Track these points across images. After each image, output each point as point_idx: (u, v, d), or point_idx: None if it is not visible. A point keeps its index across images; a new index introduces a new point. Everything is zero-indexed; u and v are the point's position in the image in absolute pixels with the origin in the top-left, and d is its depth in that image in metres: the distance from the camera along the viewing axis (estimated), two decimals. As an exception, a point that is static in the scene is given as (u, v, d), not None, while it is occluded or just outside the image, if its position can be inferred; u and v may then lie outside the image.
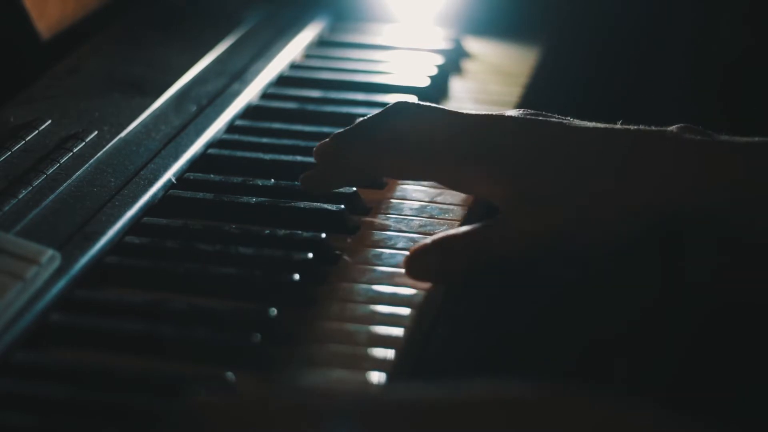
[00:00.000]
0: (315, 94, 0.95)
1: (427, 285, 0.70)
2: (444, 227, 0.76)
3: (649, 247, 0.72)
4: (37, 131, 0.81)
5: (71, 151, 0.79)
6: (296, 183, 0.80)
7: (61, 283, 0.66)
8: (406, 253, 0.73)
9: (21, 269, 0.64)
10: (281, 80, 0.98)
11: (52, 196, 0.74)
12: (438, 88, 0.99)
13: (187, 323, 0.65)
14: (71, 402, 0.58)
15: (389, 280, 0.71)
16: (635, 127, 0.71)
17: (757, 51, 1.25)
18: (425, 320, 0.69)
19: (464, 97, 1.00)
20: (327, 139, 0.77)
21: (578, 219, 0.69)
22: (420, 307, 0.69)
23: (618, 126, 0.72)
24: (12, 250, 0.65)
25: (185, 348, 0.63)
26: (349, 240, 0.75)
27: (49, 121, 0.82)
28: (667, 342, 0.94)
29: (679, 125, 0.70)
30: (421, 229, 0.76)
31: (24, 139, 0.79)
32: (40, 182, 0.75)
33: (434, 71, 1.00)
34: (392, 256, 0.73)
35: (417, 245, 0.71)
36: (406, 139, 0.73)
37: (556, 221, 0.69)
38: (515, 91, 1.01)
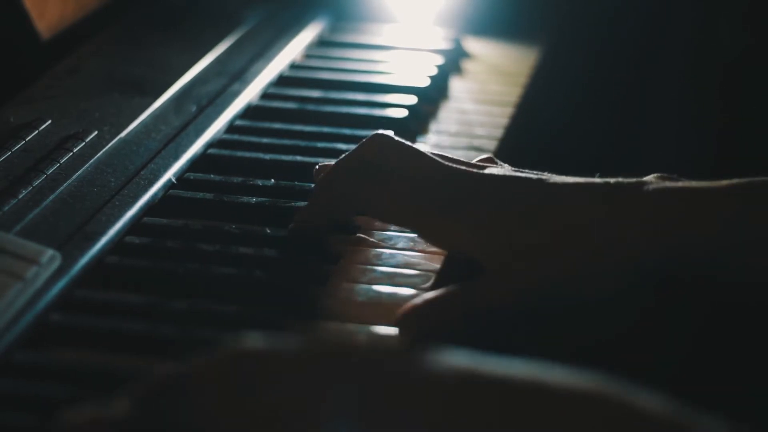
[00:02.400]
0: (315, 94, 0.95)
1: (427, 285, 0.70)
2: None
3: (643, 293, 0.72)
4: (37, 131, 0.81)
5: (71, 151, 0.79)
6: (296, 183, 0.80)
7: (61, 283, 0.66)
8: (407, 253, 0.73)
9: (21, 269, 0.64)
10: (281, 80, 0.98)
11: (52, 196, 0.74)
12: (438, 88, 0.99)
13: (187, 323, 0.65)
14: (71, 402, 0.58)
15: (389, 280, 0.71)
16: (614, 180, 0.70)
17: (756, 51, 1.25)
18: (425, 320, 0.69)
19: (464, 97, 1.00)
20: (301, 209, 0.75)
21: (571, 272, 0.68)
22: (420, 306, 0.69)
23: (597, 180, 0.70)
24: (12, 249, 0.65)
25: (185, 348, 0.63)
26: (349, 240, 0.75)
27: (49, 121, 0.82)
28: (667, 342, 0.94)
29: (654, 175, 0.70)
30: (421, 229, 0.76)
31: (24, 139, 0.79)
32: (40, 182, 0.75)
33: (434, 71, 1.00)
34: (392, 256, 0.73)
35: (408, 306, 0.68)
36: (384, 179, 0.71)
37: (549, 274, 0.68)
38: (515, 91, 1.01)
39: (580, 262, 0.68)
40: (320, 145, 0.85)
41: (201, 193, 0.78)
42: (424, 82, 0.97)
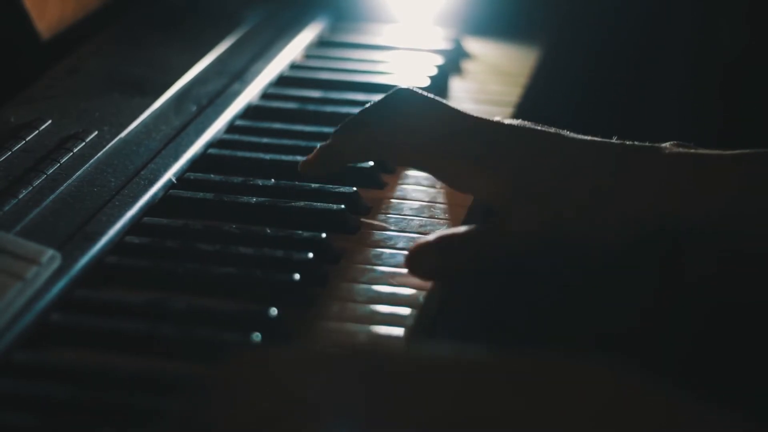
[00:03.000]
0: (315, 94, 0.95)
1: (427, 285, 0.70)
2: (444, 227, 0.76)
3: (648, 249, 0.72)
4: (37, 131, 0.81)
5: (71, 151, 0.79)
6: (296, 183, 0.80)
7: (62, 283, 0.66)
8: (407, 253, 0.73)
9: (21, 269, 0.64)
10: (281, 80, 0.98)
11: (52, 196, 0.74)
12: (438, 88, 0.98)
13: (187, 323, 0.65)
14: (71, 402, 0.58)
15: (389, 280, 0.71)
16: (631, 143, 0.72)
17: (757, 51, 1.25)
18: (426, 320, 0.69)
19: (464, 97, 1.00)
20: (330, 141, 0.77)
21: (576, 217, 0.70)
22: (420, 307, 0.69)
23: (613, 141, 0.73)
24: (12, 249, 0.65)
25: (185, 348, 0.63)
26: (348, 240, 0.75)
27: (49, 121, 0.82)
28: (667, 341, 0.94)
29: (671, 142, 0.71)
30: (421, 229, 0.76)
31: (24, 139, 0.79)
32: (40, 182, 0.75)
33: (434, 71, 1.00)
34: (392, 256, 0.73)
35: (417, 243, 0.71)
36: (408, 128, 0.74)
37: (554, 218, 0.70)
38: (515, 91, 1.01)
39: (588, 208, 0.69)
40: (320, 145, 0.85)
41: (201, 193, 0.78)
42: (424, 82, 0.97)
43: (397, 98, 0.76)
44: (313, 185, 0.80)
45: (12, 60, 0.90)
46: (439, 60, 1.02)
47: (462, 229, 0.72)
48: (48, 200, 0.73)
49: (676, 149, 0.71)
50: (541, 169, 0.71)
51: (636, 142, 0.72)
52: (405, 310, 0.68)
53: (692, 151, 0.71)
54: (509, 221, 0.70)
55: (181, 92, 0.91)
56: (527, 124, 0.74)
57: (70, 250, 0.68)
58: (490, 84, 1.03)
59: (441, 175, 0.75)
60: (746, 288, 0.80)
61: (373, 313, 0.68)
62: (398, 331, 0.66)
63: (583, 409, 0.47)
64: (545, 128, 0.73)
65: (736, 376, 0.88)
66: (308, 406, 0.48)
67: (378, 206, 0.79)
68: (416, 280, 0.71)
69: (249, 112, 0.92)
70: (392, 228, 0.77)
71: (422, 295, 0.69)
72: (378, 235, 0.76)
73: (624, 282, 0.92)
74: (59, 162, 0.77)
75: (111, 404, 0.58)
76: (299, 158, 0.83)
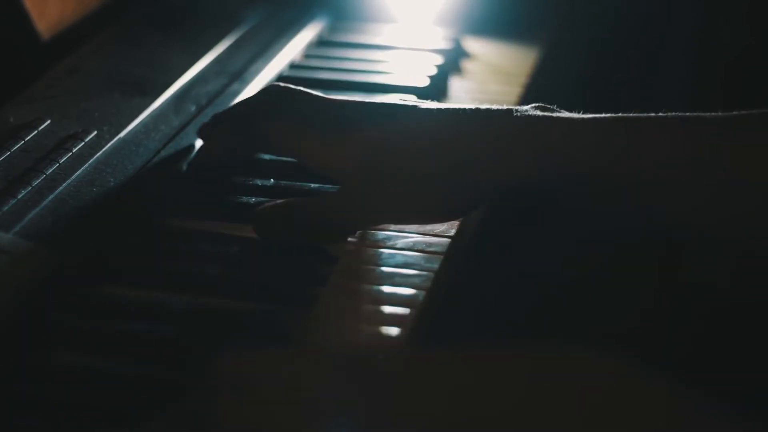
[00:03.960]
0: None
1: (427, 285, 0.70)
2: (443, 226, 0.76)
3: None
4: (36, 131, 0.81)
5: (71, 151, 0.79)
6: (296, 183, 0.80)
7: (62, 283, 0.66)
8: (407, 253, 0.73)
9: (21, 269, 0.64)
10: (281, 80, 0.98)
11: (51, 196, 0.74)
12: (438, 88, 0.99)
13: (187, 323, 0.65)
14: (71, 402, 0.58)
15: (389, 280, 0.71)
16: (486, 106, 0.73)
17: (757, 50, 1.25)
18: (426, 320, 0.69)
19: (464, 97, 1.00)
20: (208, 122, 0.80)
21: (406, 193, 0.71)
22: (420, 307, 0.69)
23: (468, 107, 0.73)
24: (11, 250, 0.65)
25: (185, 348, 0.63)
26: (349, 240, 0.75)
27: (49, 121, 0.82)
28: (667, 341, 0.94)
29: (531, 104, 0.72)
30: (421, 229, 0.76)
31: (23, 139, 0.79)
32: (39, 182, 0.75)
33: (434, 71, 1.00)
34: (392, 256, 0.73)
35: (265, 205, 0.73)
36: (275, 120, 0.76)
37: (383, 199, 0.72)
38: (515, 91, 1.01)
39: (443, 180, 0.70)
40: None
41: (201, 193, 0.78)
42: (424, 82, 0.97)
43: (265, 94, 0.78)
44: (312, 185, 0.80)
45: (12, 60, 0.90)
46: (439, 60, 1.02)
47: (305, 199, 0.74)
48: (47, 200, 0.73)
49: (531, 111, 0.71)
50: (376, 147, 0.72)
51: (493, 107, 0.73)
52: (405, 310, 0.68)
53: (543, 114, 0.71)
54: (344, 196, 0.72)
55: (181, 92, 0.91)
56: (388, 99, 0.77)
57: (70, 250, 0.68)
58: (490, 84, 1.03)
59: (299, 155, 0.76)
60: (746, 288, 0.80)
61: (373, 313, 0.68)
62: (398, 331, 0.66)
63: (583, 405, 0.47)
64: (402, 101, 0.76)
65: (736, 376, 0.88)
66: (308, 406, 0.48)
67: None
68: (416, 280, 0.71)
69: (249, 112, 0.92)
70: (392, 228, 0.76)
71: (422, 295, 0.69)
72: (378, 235, 0.76)
73: (624, 282, 0.92)
74: (58, 162, 0.77)
75: (111, 404, 0.58)
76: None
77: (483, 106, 0.72)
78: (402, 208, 0.72)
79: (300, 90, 0.78)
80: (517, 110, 0.71)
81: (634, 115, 0.69)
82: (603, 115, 0.70)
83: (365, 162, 0.72)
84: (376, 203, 0.72)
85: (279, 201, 0.73)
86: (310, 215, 0.72)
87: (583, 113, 0.71)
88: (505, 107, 0.72)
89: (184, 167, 0.80)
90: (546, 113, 0.71)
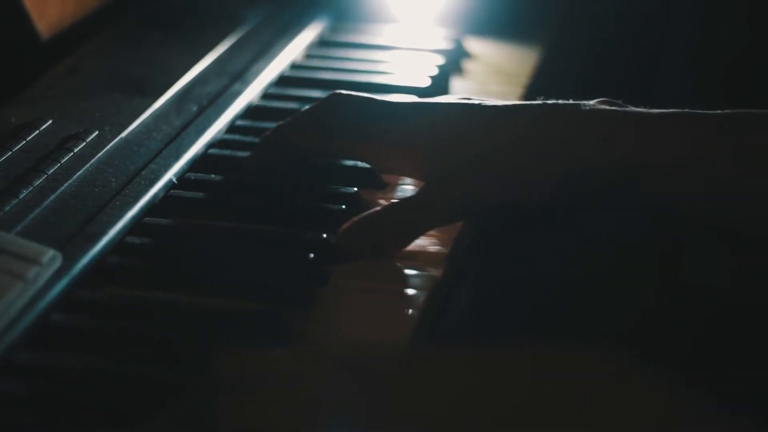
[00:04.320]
0: (315, 94, 0.95)
1: (427, 285, 0.70)
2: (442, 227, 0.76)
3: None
4: (37, 131, 0.81)
5: (72, 151, 0.79)
6: (297, 183, 0.80)
7: (62, 283, 0.66)
8: (407, 252, 0.73)
9: (22, 269, 0.64)
10: (282, 80, 0.98)
11: (52, 196, 0.74)
12: (439, 88, 0.98)
13: (187, 323, 0.65)
14: (72, 402, 0.58)
15: (390, 280, 0.71)
16: (553, 101, 0.74)
17: (757, 50, 1.25)
18: (426, 320, 0.69)
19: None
20: (269, 132, 0.81)
21: (488, 187, 0.72)
22: (420, 307, 0.69)
23: (534, 102, 0.75)
24: (13, 250, 0.65)
25: (185, 348, 0.63)
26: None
27: (50, 121, 0.82)
28: (667, 341, 0.94)
29: (598, 99, 0.73)
30: (422, 229, 0.76)
31: (24, 139, 0.79)
32: (40, 182, 0.75)
33: (435, 71, 1.00)
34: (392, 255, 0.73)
35: (344, 226, 0.73)
36: (343, 125, 0.78)
37: (468, 192, 0.72)
38: (516, 92, 1.01)
39: (508, 179, 0.72)
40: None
41: (201, 193, 0.78)
42: (425, 83, 0.97)
43: (329, 103, 0.80)
44: (313, 185, 0.80)
45: (12, 60, 0.90)
46: (440, 60, 1.02)
47: (384, 207, 0.74)
48: (49, 200, 0.73)
49: (597, 105, 0.73)
50: (451, 146, 0.73)
51: (558, 101, 0.74)
52: (405, 310, 0.68)
53: (611, 108, 0.72)
54: (427, 197, 0.73)
55: (182, 92, 0.91)
56: (450, 98, 0.78)
57: (71, 250, 0.68)
58: (490, 84, 1.03)
59: (372, 162, 0.78)
60: (746, 288, 0.80)
61: (374, 313, 0.68)
62: (398, 331, 0.66)
63: (583, 405, 0.47)
64: (465, 99, 0.77)
65: (736, 376, 0.88)
66: (308, 406, 0.48)
67: (378, 206, 0.79)
68: (416, 280, 0.71)
69: (249, 112, 0.92)
70: (392, 228, 0.76)
71: (422, 295, 0.70)
72: (378, 235, 0.76)
73: (624, 282, 0.92)
74: (60, 162, 0.77)
75: (111, 404, 0.58)
76: (299, 158, 0.83)
77: (550, 101, 0.74)
78: (483, 203, 0.73)
79: (361, 96, 0.79)
80: (585, 104, 0.73)
81: (700, 111, 0.71)
82: (671, 111, 0.72)
83: (442, 163, 0.73)
84: (462, 201, 0.73)
85: (356, 219, 0.73)
86: (396, 226, 0.73)
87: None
88: (572, 101, 0.74)
89: (237, 172, 0.80)
90: (614, 107, 0.72)
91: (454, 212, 0.74)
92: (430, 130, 0.75)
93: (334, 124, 0.78)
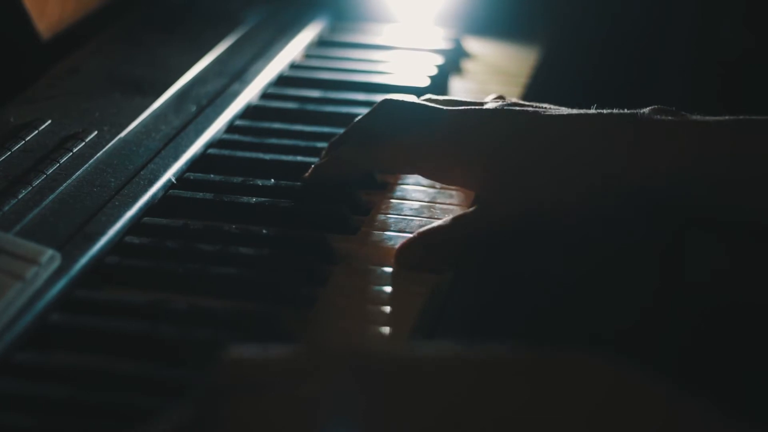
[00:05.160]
0: (315, 94, 0.95)
1: (427, 286, 0.70)
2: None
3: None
4: (37, 131, 0.81)
5: (71, 151, 0.79)
6: (296, 183, 0.80)
7: (61, 283, 0.66)
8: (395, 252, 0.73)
9: (21, 269, 0.64)
10: (281, 80, 0.98)
11: (52, 196, 0.74)
12: (438, 88, 0.99)
13: (187, 323, 0.65)
14: (71, 402, 0.58)
15: (389, 280, 0.71)
16: (608, 111, 0.74)
17: (757, 51, 1.25)
18: (426, 320, 0.69)
19: (464, 97, 1.00)
20: (324, 158, 0.80)
21: (552, 199, 0.72)
22: (420, 307, 0.69)
23: (590, 111, 0.74)
24: (12, 250, 0.65)
25: (185, 348, 0.63)
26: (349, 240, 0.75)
27: (49, 121, 0.82)
28: (667, 341, 0.94)
29: (651, 107, 0.72)
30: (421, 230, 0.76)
31: (24, 139, 0.79)
32: (40, 182, 0.75)
33: (434, 71, 1.00)
34: (392, 255, 0.73)
35: (404, 241, 0.73)
36: (396, 137, 0.76)
37: (532, 202, 0.72)
38: (515, 91, 1.01)
39: (568, 180, 0.71)
40: (320, 145, 0.85)
41: (201, 193, 0.78)
42: (424, 82, 0.97)
43: (384, 109, 0.78)
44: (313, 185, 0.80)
45: (12, 60, 0.90)
46: (440, 60, 1.02)
47: (444, 222, 0.74)
48: (48, 200, 0.73)
49: (653, 115, 0.72)
50: (515, 156, 0.73)
51: (615, 110, 0.73)
52: (405, 310, 0.68)
53: (669, 118, 0.72)
54: (487, 209, 0.72)
55: (181, 92, 0.91)
56: (507, 103, 0.76)
57: (70, 250, 0.68)
58: (490, 84, 1.03)
59: (426, 170, 0.77)
60: (746, 288, 0.80)
61: (374, 313, 0.68)
62: (398, 331, 0.66)
63: (583, 405, 0.47)
64: (524, 107, 0.75)
65: (736, 376, 0.88)
66: (308, 406, 0.48)
67: (378, 206, 0.79)
68: (416, 280, 0.71)
69: (249, 112, 0.92)
70: (392, 228, 0.77)
71: (422, 295, 0.69)
72: (378, 235, 0.76)
73: (624, 282, 0.92)
74: (59, 162, 0.77)
75: (111, 404, 0.58)
76: (299, 158, 0.83)
77: (605, 111, 0.73)
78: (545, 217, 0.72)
79: (414, 103, 0.78)
80: (641, 113, 0.72)
81: (757, 117, 0.71)
82: (724, 117, 0.71)
83: (506, 177, 0.72)
84: (526, 216, 0.72)
85: (415, 234, 0.73)
86: (457, 241, 0.73)
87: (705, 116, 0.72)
88: (628, 111, 0.73)
89: (300, 183, 0.79)
90: (669, 116, 0.72)
91: (517, 220, 0.73)
92: (488, 137, 0.74)
93: (388, 133, 0.76)
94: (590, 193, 0.71)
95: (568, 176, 0.71)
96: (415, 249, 0.73)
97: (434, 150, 0.75)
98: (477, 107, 0.76)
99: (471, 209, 0.74)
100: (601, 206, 0.72)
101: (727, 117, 0.72)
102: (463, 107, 0.77)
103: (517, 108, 0.75)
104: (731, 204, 0.71)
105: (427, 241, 0.73)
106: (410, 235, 0.74)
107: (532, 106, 0.76)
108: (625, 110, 0.73)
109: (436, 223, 0.74)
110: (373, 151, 0.77)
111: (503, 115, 0.75)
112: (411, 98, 0.79)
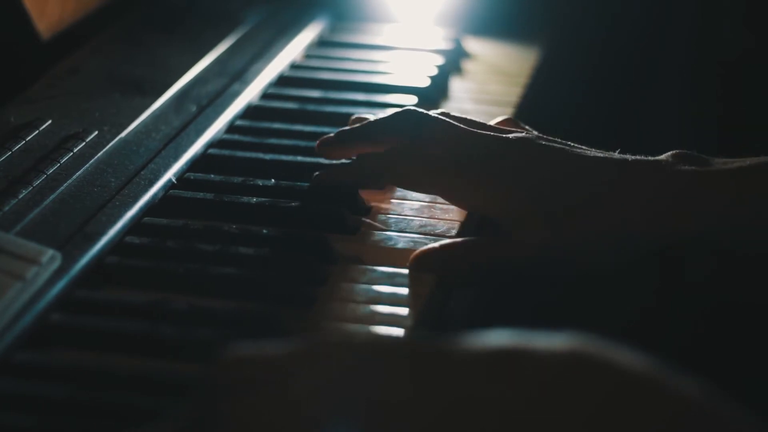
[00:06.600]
0: (315, 94, 0.95)
1: (427, 286, 0.70)
2: (444, 227, 0.76)
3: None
4: (37, 131, 0.81)
5: (71, 151, 0.79)
6: (296, 183, 0.80)
7: (62, 283, 0.66)
8: (407, 253, 0.73)
9: (21, 269, 0.64)
10: (281, 80, 0.98)
11: (52, 196, 0.74)
12: (438, 88, 0.99)
13: (188, 323, 0.65)
14: (71, 402, 0.58)
15: (389, 280, 0.71)
16: (632, 157, 0.73)
17: (757, 51, 1.25)
18: (426, 320, 0.69)
19: (464, 98, 1.00)
20: (330, 134, 0.79)
21: (579, 230, 0.71)
22: (421, 306, 0.69)
23: (615, 155, 0.74)
24: (12, 250, 0.65)
25: (185, 348, 0.63)
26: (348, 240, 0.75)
27: (50, 121, 0.82)
28: (667, 341, 0.94)
29: (673, 152, 0.72)
30: (421, 229, 0.76)
31: (24, 139, 0.79)
32: (40, 182, 0.75)
33: (434, 71, 1.00)
34: (392, 256, 0.73)
35: (420, 250, 0.73)
36: (413, 149, 0.76)
37: (565, 239, 0.72)
38: (515, 91, 1.01)
39: (593, 232, 0.71)
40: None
41: (201, 193, 0.78)
42: (425, 83, 0.97)
43: (403, 116, 0.77)
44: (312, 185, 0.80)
45: (12, 60, 0.90)
46: (440, 60, 1.02)
47: (467, 240, 0.73)
48: (48, 200, 0.73)
49: (676, 163, 0.72)
50: (546, 189, 0.72)
51: (638, 156, 0.73)
52: (405, 310, 0.68)
53: (692, 167, 0.72)
54: (516, 238, 0.72)
55: (181, 92, 0.91)
56: (533, 135, 0.75)
57: (70, 250, 0.68)
58: (490, 84, 1.03)
59: (442, 191, 0.76)
60: (746, 288, 0.80)
61: (373, 313, 0.68)
62: (398, 331, 0.66)
63: (583, 405, 0.47)
64: (551, 142, 0.75)
65: (736, 376, 0.88)
66: (308, 406, 0.48)
67: (378, 206, 0.79)
68: (416, 281, 0.71)
69: (249, 112, 0.92)
70: (392, 228, 0.77)
71: (422, 295, 0.69)
72: (378, 235, 0.76)
73: (624, 282, 0.92)
74: (59, 162, 0.77)
75: (111, 404, 0.58)
76: (299, 158, 0.83)
77: (630, 157, 0.73)
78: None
79: (436, 119, 0.77)
80: (664, 163, 0.72)
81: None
82: (742, 161, 0.72)
83: (532, 208, 0.72)
84: (551, 245, 0.72)
85: (435, 245, 0.73)
86: (475, 263, 0.73)
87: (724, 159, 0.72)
88: (651, 159, 0.73)
89: (310, 183, 0.79)
90: (693, 166, 0.72)
91: (541, 252, 0.72)
92: (516, 169, 0.73)
93: (407, 145, 0.76)
94: (610, 242, 0.72)
95: (588, 218, 0.71)
96: (432, 262, 0.72)
97: (463, 173, 0.74)
98: (504, 136, 0.75)
99: (499, 235, 0.73)
100: (620, 254, 0.72)
101: (738, 160, 0.71)
102: (492, 133, 0.76)
103: (545, 143, 0.75)
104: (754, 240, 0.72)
105: (446, 255, 0.72)
106: (427, 246, 0.73)
107: (557, 142, 0.75)
108: (648, 157, 0.73)
109: (455, 240, 0.74)
110: (400, 169, 0.76)
111: (533, 148, 0.74)
112: (432, 113, 0.78)
